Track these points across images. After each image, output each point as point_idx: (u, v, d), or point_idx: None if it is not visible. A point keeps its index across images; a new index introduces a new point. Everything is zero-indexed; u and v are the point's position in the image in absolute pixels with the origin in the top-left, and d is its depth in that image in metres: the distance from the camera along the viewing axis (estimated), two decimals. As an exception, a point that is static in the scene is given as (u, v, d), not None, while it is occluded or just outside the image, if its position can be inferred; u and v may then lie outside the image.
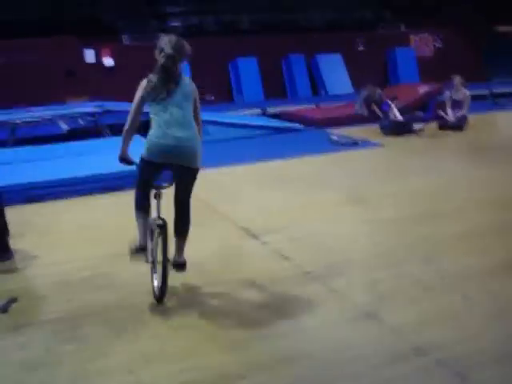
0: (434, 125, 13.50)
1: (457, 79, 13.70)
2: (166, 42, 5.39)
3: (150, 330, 4.94)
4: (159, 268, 5.35)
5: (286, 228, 7.26)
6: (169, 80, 5.30)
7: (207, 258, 6.36)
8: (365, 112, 14.45)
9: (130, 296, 5.56)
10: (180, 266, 5.56)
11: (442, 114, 13.56)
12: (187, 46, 5.43)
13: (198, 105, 5.53)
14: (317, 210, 7.93)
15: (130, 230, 7.16)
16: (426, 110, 14.32)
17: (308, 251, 6.54)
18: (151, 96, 5.34)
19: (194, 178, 5.48)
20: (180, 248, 5.62)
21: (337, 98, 17.56)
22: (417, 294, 5.47)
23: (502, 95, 18.31)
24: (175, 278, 5.60)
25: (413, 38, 21.69)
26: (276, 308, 5.27)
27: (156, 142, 5.29)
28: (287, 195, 8.55)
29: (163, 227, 5.37)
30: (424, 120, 13.48)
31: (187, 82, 5.44)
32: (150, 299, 5.42)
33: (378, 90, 14.74)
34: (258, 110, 16.12)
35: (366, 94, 14.80)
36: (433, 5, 22.23)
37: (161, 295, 5.34)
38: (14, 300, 5.39)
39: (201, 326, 4.97)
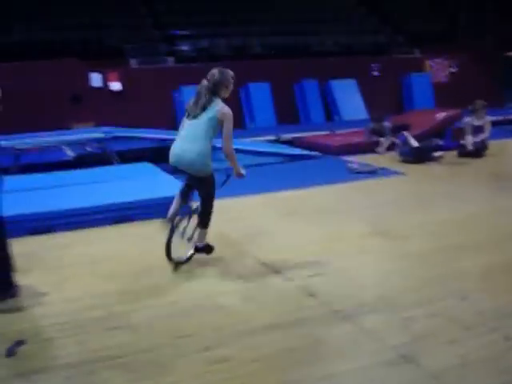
0: (452, 152, 13.17)
1: (479, 104, 13.36)
2: (209, 73, 6.43)
3: (172, 376, 4.48)
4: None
5: (310, 262, 6.78)
6: (197, 104, 6.38)
7: (227, 296, 5.94)
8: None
9: (147, 337, 5.10)
10: (196, 249, 6.76)
11: (464, 141, 13.19)
12: (223, 77, 6.38)
13: (225, 130, 6.35)
14: (341, 243, 7.48)
15: (142, 263, 6.88)
16: (443, 136, 13.92)
17: (335, 287, 6.10)
18: (186, 113, 6.54)
19: (200, 184, 6.55)
20: (199, 234, 6.71)
21: (351, 123, 17.16)
22: (455, 333, 5.02)
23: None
24: (187, 320, 5.38)
25: (428, 63, 21.45)
26: (305, 351, 4.82)
27: (171, 151, 6.51)
28: (309, 227, 8.13)
29: (192, 210, 6.81)
30: (444, 147, 13.13)
31: (216, 108, 6.28)
32: (171, 341, 5.00)
33: (385, 123, 14.34)
34: (271, 137, 15.74)
35: (371, 127, 14.49)
36: (447, 30, 22.09)
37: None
38: (21, 342, 4.94)
39: (225, 372, 4.52)
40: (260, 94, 18.36)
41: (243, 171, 6.66)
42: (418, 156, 12.58)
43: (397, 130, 13.75)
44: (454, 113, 14.54)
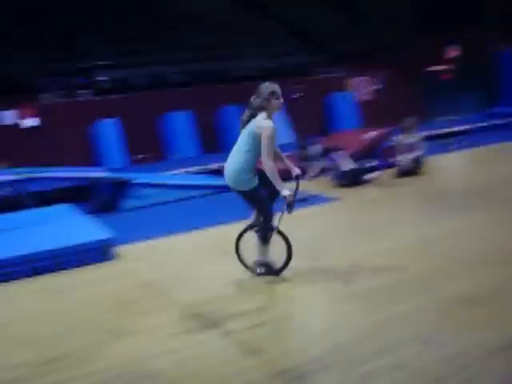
0: (387, 171, 12.71)
1: (409, 121, 13.00)
2: None
3: None
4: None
5: (248, 311, 5.99)
6: (243, 118, 6.58)
7: (157, 360, 5.09)
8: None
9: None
10: (258, 263, 6.93)
11: (397, 160, 12.78)
12: (261, 90, 6.52)
13: (262, 144, 6.33)
14: (281, 285, 6.71)
15: (62, 324, 6.07)
16: (375, 156, 13.40)
17: (280, 340, 5.35)
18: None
19: (244, 198, 6.64)
20: (259, 250, 6.85)
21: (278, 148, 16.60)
22: (422, 387, 4.37)
23: (444, 135, 18.11)
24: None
25: (351, 81, 21.18)
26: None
27: None
28: (243, 269, 7.22)
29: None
30: (377, 167, 12.65)
31: (254, 123, 6.43)
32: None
33: (314, 147, 13.66)
34: (196, 168, 14.97)
35: (298, 153, 13.82)
36: (369, 48, 22.00)
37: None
38: None
39: None
40: (181, 123, 17.60)
41: (287, 192, 6.43)
42: (352, 179, 12.07)
43: (327, 153, 13.17)
44: (384, 131, 14.12)
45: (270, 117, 6.50)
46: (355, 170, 12.26)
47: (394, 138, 13.27)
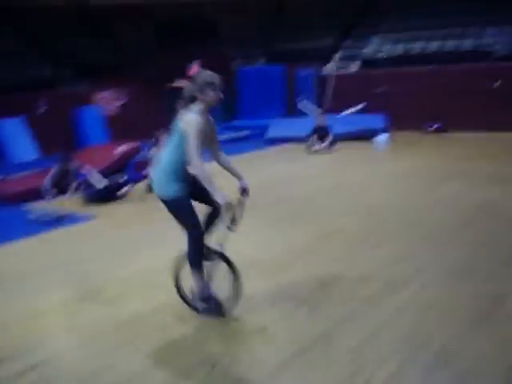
0: (139, 186, 12.44)
1: (159, 135, 12.89)
2: None
3: None
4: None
5: (28, 350, 5.29)
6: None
7: None
8: (52, 193, 12.23)
9: None
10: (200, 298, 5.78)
11: (148, 173, 12.60)
12: (197, 77, 5.47)
13: (186, 144, 5.26)
14: (48, 318, 6.04)
15: None
16: (125, 171, 13.07)
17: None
18: None
19: (169, 210, 5.53)
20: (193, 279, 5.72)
21: (22, 166, 15.75)
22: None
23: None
24: None
25: (97, 96, 20.78)
26: None
27: None
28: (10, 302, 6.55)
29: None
30: (128, 182, 12.36)
31: (182, 118, 5.40)
32: None
33: (76, 162, 12.97)
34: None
35: (56, 169, 13.03)
36: (114, 61, 21.84)
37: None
38: None
39: None
40: None
41: (222, 199, 5.20)
42: (105, 195, 11.71)
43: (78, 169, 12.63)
44: (133, 145, 14.01)
45: (205, 110, 5.53)
46: (108, 186, 11.91)
47: (147, 152, 13.12)
